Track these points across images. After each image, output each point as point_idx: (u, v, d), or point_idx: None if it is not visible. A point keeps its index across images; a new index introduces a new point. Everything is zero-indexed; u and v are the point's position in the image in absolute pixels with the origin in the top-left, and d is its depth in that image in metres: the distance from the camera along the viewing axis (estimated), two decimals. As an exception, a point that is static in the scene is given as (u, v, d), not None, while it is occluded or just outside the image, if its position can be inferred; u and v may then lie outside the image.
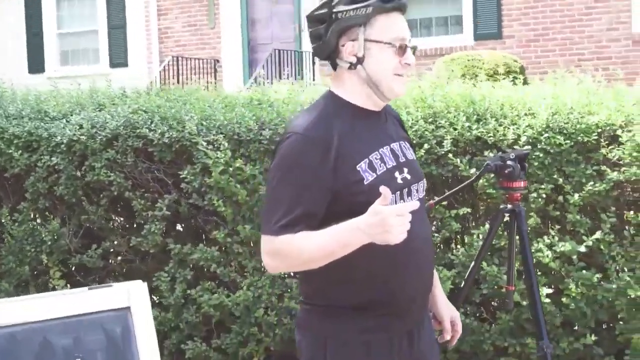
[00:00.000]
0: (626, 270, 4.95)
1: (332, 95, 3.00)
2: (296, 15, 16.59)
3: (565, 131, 5.04)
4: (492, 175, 4.50)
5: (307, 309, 3.03)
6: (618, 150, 4.93)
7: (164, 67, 16.19)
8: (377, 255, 2.79)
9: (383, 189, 2.60)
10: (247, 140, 5.67)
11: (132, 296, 3.89)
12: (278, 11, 16.92)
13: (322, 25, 2.96)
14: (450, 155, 5.19)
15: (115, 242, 6.22)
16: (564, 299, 5.00)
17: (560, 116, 5.11)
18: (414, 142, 5.20)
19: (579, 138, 5.02)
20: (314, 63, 16.05)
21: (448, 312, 3.32)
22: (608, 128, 5.02)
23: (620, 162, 4.92)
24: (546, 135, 5.04)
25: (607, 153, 4.96)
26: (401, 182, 2.94)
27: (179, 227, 6.17)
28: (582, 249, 4.98)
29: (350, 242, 2.68)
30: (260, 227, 2.88)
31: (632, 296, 4.88)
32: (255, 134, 5.65)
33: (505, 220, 4.36)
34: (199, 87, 7.32)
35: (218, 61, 17.08)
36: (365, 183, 2.83)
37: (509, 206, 4.25)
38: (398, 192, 2.91)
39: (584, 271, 4.99)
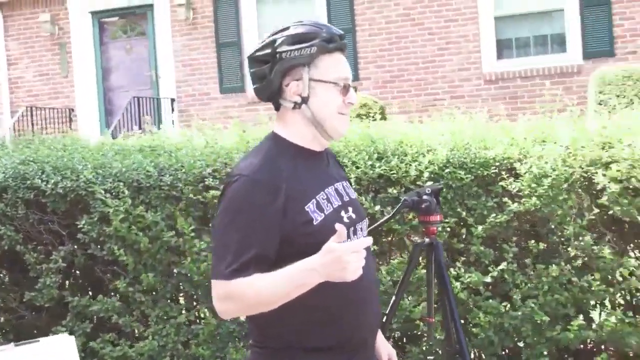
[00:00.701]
0: (530, 297, 5.12)
1: (276, 136, 2.97)
2: (152, 62, 16.47)
3: (465, 166, 5.21)
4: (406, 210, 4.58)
5: (259, 352, 2.98)
6: (517, 182, 5.11)
7: (18, 117, 15.75)
8: (331, 294, 2.78)
9: (339, 226, 2.61)
10: (147, 187, 5.60)
11: (60, 351, 3.79)
12: (133, 58, 16.77)
13: (266, 66, 2.95)
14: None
15: (5, 298, 6.00)
16: (474, 329, 5.13)
17: (459, 152, 5.28)
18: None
19: (479, 172, 5.19)
20: (173, 109, 15.95)
21: (386, 350, 3.33)
22: (505, 161, 5.21)
23: (520, 193, 5.11)
24: (447, 170, 5.19)
25: (507, 185, 5.15)
26: (347, 221, 2.96)
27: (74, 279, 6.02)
28: (488, 279, 5.14)
29: (305, 282, 2.66)
30: (211, 271, 2.82)
31: (538, 321, 5.06)
32: (155, 180, 5.59)
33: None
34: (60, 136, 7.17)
35: (73, 110, 16.75)
36: (315, 223, 2.82)
37: (427, 240, 4.34)
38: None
39: (490, 300, 5.14)
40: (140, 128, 13.88)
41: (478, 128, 5.65)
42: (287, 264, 2.70)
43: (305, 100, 2.90)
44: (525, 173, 5.11)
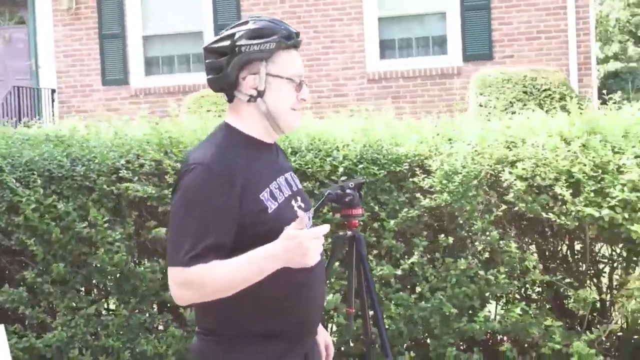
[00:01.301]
0: (439, 289, 5.32)
1: (229, 127, 3.03)
2: (32, 51, 16.12)
3: (378, 162, 5.37)
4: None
5: (209, 339, 3.02)
6: (429, 178, 5.31)
7: None
8: (284, 282, 2.88)
9: (300, 212, 2.73)
10: (59, 177, 5.56)
11: (-11, 338, 3.75)
12: (11, 47, 16.37)
13: (223, 58, 3.01)
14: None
15: None
16: (385, 320, 5.29)
17: (372, 148, 5.43)
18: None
19: (391, 168, 5.36)
20: (53, 100, 15.65)
21: (323, 337, 3.45)
22: (416, 158, 5.40)
23: (431, 189, 5.30)
24: (361, 165, 5.34)
25: (420, 181, 5.33)
26: (297, 209, 3.07)
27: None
28: (399, 271, 5.31)
29: (265, 268, 2.75)
30: (167, 258, 2.88)
31: (447, 313, 5.26)
32: (67, 170, 5.55)
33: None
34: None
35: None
36: (269, 212, 2.91)
37: (349, 232, 4.47)
38: (293, 220, 3.04)
39: (400, 293, 5.32)
40: (19, 120, 13.54)
41: (387, 126, 5.82)
42: (243, 251, 2.77)
43: (260, 94, 2.97)
44: (436, 170, 5.30)
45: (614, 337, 5.55)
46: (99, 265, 5.53)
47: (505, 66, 13.77)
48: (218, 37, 3.05)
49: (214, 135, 3.05)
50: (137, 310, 5.58)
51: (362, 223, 5.32)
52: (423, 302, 5.31)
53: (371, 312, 4.59)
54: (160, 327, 5.61)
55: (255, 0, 15.22)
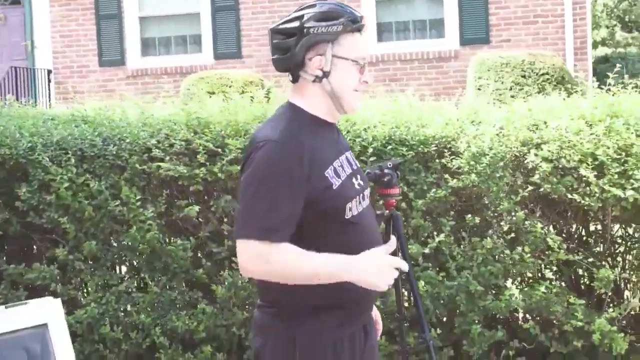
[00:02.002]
0: (465, 268, 5.45)
1: (293, 106, 3.13)
2: (27, 31, 16.10)
3: (406, 143, 5.48)
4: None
5: (271, 312, 3.12)
6: (456, 159, 5.43)
7: None
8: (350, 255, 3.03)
9: (393, 238, 2.87)
10: (91, 156, 5.64)
11: (48, 313, 3.85)
12: (7, 27, 16.35)
13: (292, 38, 3.11)
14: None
15: None
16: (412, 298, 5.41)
17: (400, 129, 5.55)
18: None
19: (419, 149, 5.47)
20: (49, 81, 15.65)
21: (375, 312, 3.57)
22: (443, 139, 5.52)
23: (459, 170, 5.42)
24: (390, 147, 5.46)
25: (448, 162, 5.45)
26: (358, 187, 3.18)
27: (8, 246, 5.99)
28: (427, 250, 5.43)
29: (335, 274, 2.86)
30: (236, 231, 2.95)
31: (472, 291, 5.39)
32: (99, 150, 5.64)
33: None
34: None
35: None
36: (334, 188, 3.02)
37: (386, 212, 4.58)
38: (357, 197, 3.16)
39: (428, 271, 5.44)
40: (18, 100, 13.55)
41: (411, 107, 5.93)
42: (308, 228, 2.91)
43: (326, 74, 3.08)
44: (464, 151, 5.42)
45: (630, 316, 5.69)
46: (129, 243, 5.62)
47: (502, 50, 13.89)
48: (285, 18, 3.15)
49: (279, 114, 3.15)
50: (167, 288, 5.68)
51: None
52: (449, 281, 5.44)
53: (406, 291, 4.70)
54: (191, 304, 5.70)
55: (255, -18, 15.25)
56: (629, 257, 5.72)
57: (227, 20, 15.27)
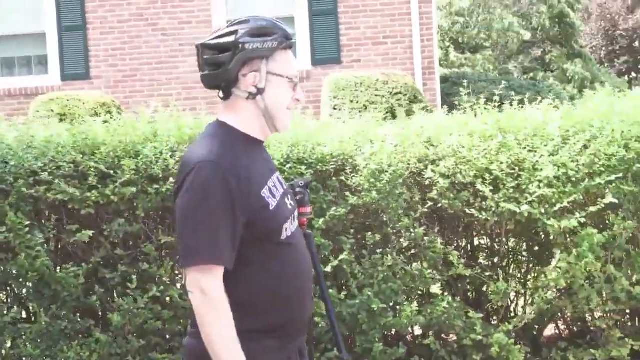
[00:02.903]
0: (366, 286, 5.43)
1: (224, 124, 3.03)
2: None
3: (305, 161, 5.43)
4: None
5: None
6: (356, 177, 5.41)
7: None
8: (284, 280, 2.97)
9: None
10: (-28, 181, 5.32)
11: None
12: None
13: (225, 54, 3.01)
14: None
15: None
16: (316, 318, 5.36)
17: (297, 148, 5.49)
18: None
19: (318, 167, 5.43)
20: None
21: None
22: (341, 157, 5.50)
23: (359, 187, 5.41)
24: (289, 165, 5.39)
25: (347, 180, 5.43)
26: (290, 207, 3.14)
27: None
28: (329, 269, 5.39)
29: None
30: (185, 258, 2.82)
31: (375, 309, 5.37)
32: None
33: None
34: None
35: None
36: (271, 209, 2.95)
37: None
38: (290, 218, 3.10)
39: (330, 290, 5.39)
40: None
41: (300, 126, 5.88)
42: (240, 251, 2.87)
43: (260, 91, 3.01)
44: (364, 168, 5.41)
45: (521, 328, 5.81)
46: (16, 272, 5.33)
47: (353, 70, 14.05)
48: (218, 33, 3.06)
49: (210, 133, 3.04)
50: (56, 317, 5.41)
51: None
52: (350, 300, 5.41)
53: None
54: (82, 333, 5.45)
55: (101, 2, 14.88)
56: (520, 269, 5.86)
57: (74, 40, 14.84)
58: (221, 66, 3.01)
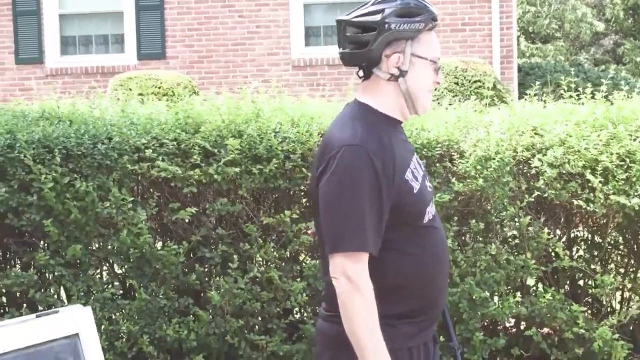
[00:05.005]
0: (469, 274, 5.34)
1: (364, 105, 2.93)
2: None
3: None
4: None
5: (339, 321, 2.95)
6: (463, 163, 5.31)
7: None
8: (425, 264, 2.88)
9: None
10: (77, 155, 5.31)
11: (79, 322, 3.58)
12: None
13: (370, 33, 2.92)
14: (297, 169, 5.30)
15: None
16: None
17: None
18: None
19: (423, 152, 5.33)
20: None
21: None
22: (447, 143, 5.40)
23: (465, 174, 5.31)
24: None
25: (453, 166, 5.33)
26: (430, 190, 3.04)
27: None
28: (431, 256, 5.29)
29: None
30: (332, 244, 2.72)
31: (476, 298, 5.28)
32: (87, 149, 5.31)
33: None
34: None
35: None
36: (415, 192, 2.87)
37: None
38: (431, 201, 3.01)
39: (431, 277, 5.30)
40: None
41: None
42: (388, 233, 2.77)
43: (403, 73, 2.91)
44: (470, 155, 5.31)
45: (631, 323, 5.68)
46: (116, 247, 5.32)
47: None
48: (362, 11, 2.95)
49: (350, 114, 2.94)
50: (156, 294, 5.39)
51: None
52: (452, 287, 5.31)
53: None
54: (181, 312, 5.43)
55: (178, -18, 14.90)
56: (622, 263, 5.73)
57: (151, 19, 14.88)
58: (364, 45, 2.91)
